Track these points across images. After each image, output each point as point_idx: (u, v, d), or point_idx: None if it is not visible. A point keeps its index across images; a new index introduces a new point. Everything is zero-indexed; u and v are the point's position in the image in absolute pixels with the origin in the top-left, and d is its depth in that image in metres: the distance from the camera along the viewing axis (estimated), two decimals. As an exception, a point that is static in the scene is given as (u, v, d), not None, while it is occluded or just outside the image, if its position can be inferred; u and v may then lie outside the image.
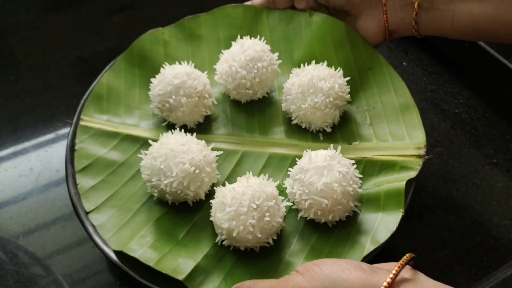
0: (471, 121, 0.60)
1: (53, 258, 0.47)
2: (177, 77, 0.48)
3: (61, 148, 0.56)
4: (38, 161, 0.55)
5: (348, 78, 0.50)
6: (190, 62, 0.50)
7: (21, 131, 0.58)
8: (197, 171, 0.43)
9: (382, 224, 0.43)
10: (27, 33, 0.70)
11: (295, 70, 0.50)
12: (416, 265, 0.42)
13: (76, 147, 0.47)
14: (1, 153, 0.56)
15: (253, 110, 0.52)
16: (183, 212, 0.45)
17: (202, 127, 0.50)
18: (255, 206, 0.40)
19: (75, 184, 0.45)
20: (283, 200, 0.44)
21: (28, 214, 0.50)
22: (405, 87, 0.51)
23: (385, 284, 0.32)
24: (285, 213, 0.43)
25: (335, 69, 0.50)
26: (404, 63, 0.66)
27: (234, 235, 0.40)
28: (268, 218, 0.40)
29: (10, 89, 0.63)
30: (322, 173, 0.42)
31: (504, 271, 0.43)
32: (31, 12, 0.73)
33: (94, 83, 0.52)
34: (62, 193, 0.51)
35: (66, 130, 0.57)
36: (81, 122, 0.49)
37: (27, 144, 0.57)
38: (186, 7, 0.73)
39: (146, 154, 0.45)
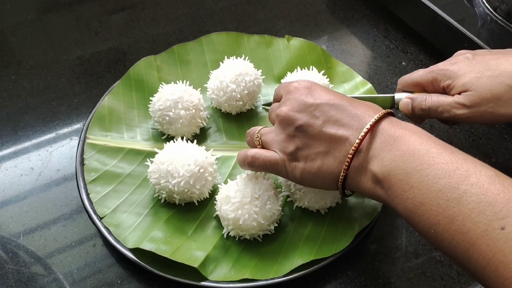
0: (470, 121, 0.61)
1: (53, 257, 0.47)
2: (174, 93, 0.53)
3: (61, 147, 0.56)
4: (38, 160, 0.55)
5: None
6: (185, 81, 0.56)
7: (22, 131, 0.58)
8: (201, 170, 0.48)
9: (368, 208, 0.49)
10: (27, 33, 0.70)
11: (282, 80, 0.57)
12: (416, 264, 0.47)
13: (85, 161, 0.52)
14: (2, 152, 0.56)
15: (243, 121, 0.58)
16: (189, 211, 0.49)
17: (198, 138, 0.55)
18: (257, 196, 0.45)
19: (88, 194, 0.49)
20: (280, 192, 0.49)
21: (28, 213, 0.50)
22: (375, 92, 0.59)
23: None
24: (282, 203, 0.48)
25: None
26: (403, 63, 0.67)
27: (240, 223, 0.45)
28: (270, 206, 0.45)
29: (10, 88, 0.62)
30: (312, 164, 0.48)
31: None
32: (31, 12, 0.73)
33: (96, 107, 0.57)
34: (62, 192, 0.52)
35: (67, 129, 0.58)
36: (87, 140, 0.53)
37: (27, 143, 0.56)
38: (186, 7, 0.74)
39: (152, 161, 0.49)
